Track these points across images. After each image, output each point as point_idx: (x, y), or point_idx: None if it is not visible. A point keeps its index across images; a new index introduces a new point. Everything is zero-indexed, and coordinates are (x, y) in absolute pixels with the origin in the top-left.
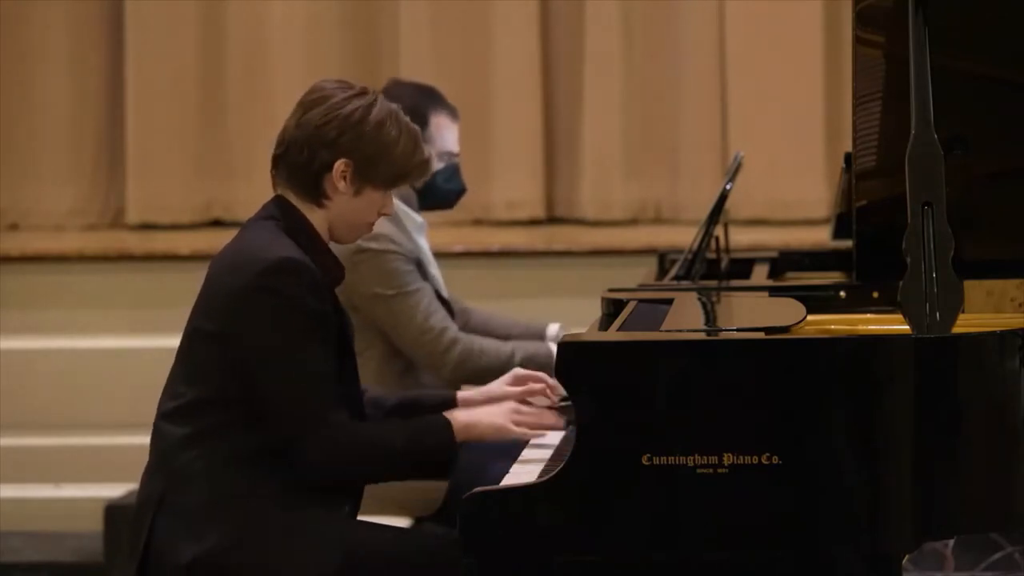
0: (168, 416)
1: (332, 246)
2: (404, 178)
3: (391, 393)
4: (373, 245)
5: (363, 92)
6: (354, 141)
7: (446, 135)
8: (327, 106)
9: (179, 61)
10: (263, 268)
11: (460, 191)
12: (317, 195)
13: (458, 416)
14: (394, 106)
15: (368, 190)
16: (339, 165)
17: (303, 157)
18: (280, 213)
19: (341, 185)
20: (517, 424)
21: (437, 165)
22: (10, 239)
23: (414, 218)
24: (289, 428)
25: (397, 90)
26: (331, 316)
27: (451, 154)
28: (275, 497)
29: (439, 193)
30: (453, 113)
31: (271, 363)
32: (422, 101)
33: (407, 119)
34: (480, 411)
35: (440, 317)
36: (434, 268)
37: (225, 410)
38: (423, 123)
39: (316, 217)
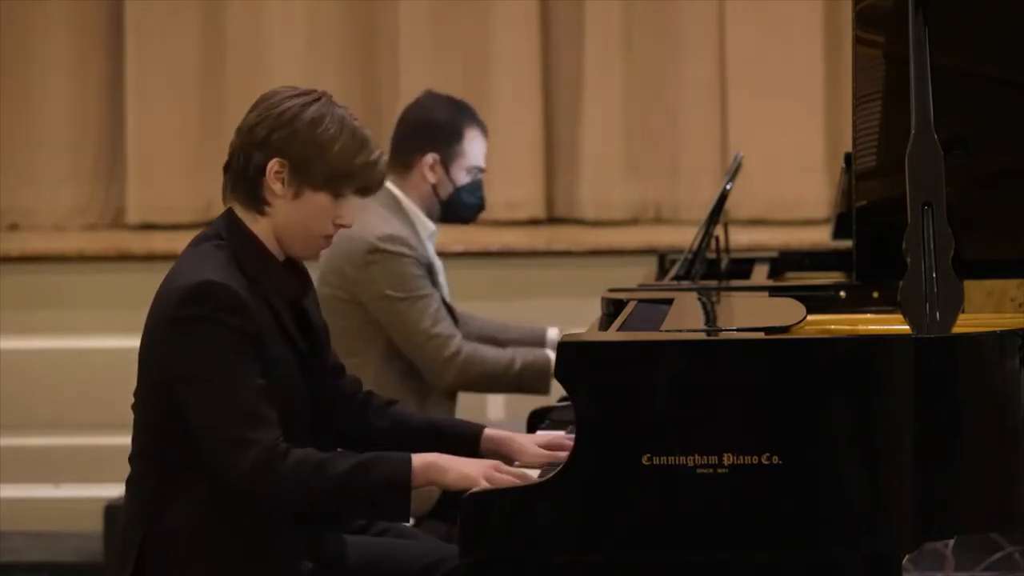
0: (133, 475)
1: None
2: (345, 180)
3: (418, 414)
4: (388, 247)
5: (308, 93)
6: (286, 139)
7: (478, 149)
8: (263, 107)
9: (179, 61)
10: (179, 296)
11: (480, 206)
12: (258, 202)
13: (425, 456)
14: (340, 109)
15: (307, 193)
16: (272, 165)
17: (240, 163)
18: (225, 230)
19: (277, 188)
20: (489, 480)
21: (465, 179)
22: (10, 239)
23: (427, 224)
24: (212, 453)
25: (432, 102)
26: (261, 334)
27: (479, 169)
28: (244, 549)
29: (463, 206)
30: (484, 128)
31: (192, 389)
32: (457, 114)
33: (356, 123)
34: (455, 459)
35: (447, 325)
36: (441, 276)
37: (178, 455)
38: (458, 136)
39: (261, 228)
